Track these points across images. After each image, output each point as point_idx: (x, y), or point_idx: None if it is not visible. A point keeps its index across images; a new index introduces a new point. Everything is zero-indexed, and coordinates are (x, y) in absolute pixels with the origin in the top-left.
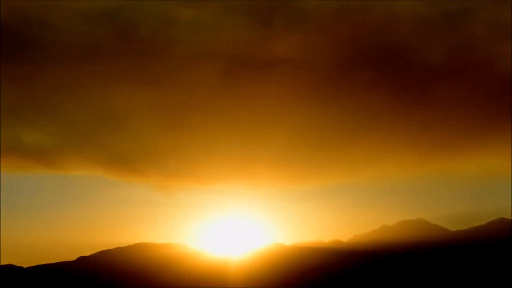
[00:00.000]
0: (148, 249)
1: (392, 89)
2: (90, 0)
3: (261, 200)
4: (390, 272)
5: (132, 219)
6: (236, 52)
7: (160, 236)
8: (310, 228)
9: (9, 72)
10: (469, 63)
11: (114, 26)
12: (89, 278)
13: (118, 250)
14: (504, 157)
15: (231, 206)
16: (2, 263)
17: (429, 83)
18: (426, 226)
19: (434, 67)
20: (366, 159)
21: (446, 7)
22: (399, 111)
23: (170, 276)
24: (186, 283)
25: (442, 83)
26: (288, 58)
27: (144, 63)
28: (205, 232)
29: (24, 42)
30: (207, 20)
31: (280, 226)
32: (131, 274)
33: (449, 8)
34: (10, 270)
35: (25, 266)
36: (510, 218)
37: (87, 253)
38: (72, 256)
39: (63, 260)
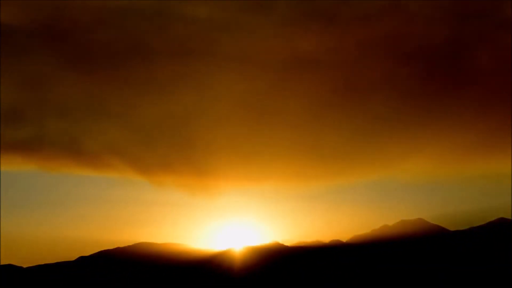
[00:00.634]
0: (148, 249)
1: (394, 92)
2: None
3: (261, 200)
4: (390, 272)
5: (132, 219)
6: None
7: (160, 236)
8: (310, 228)
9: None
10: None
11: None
12: (89, 278)
13: (118, 250)
14: (504, 157)
15: (231, 206)
16: (2, 263)
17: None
18: (426, 226)
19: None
20: (366, 160)
21: None
22: (398, 114)
23: (170, 276)
24: (185, 283)
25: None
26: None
27: (192, 66)
28: (205, 232)
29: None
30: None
31: (280, 226)
32: (131, 274)
33: None
34: (10, 270)
35: (25, 266)
36: (510, 218)
37: (87, 253)
38: (72, 256)
39: (63, 260)
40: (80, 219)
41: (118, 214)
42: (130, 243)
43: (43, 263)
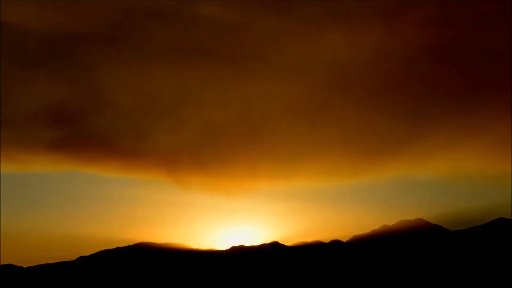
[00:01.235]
0: (148, 249)
1: (393, 93)
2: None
3: (261, 200)
4: (390, 272)
5: (132, 219)
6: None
7: (160, 236)
8: (310, 228)
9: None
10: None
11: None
12: (89, 278)
13: (118, 250)
14: (504, 157)
15: (231, 206)
16: (2, 263)
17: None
18: (426, 226)
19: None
20: (366, 160)
21: None
22: (398, 114)
23: (170, 276)
24: (185, 283)
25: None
26: None
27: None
28: (205, 232)
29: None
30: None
31: (280, 226)
32: (131, 274)
33: None
34: (10, 270)
35: (25, 266)
36: (510, 218)
37: (87, 253)
38: (72, 256)
39: (63, 260)
40: (81, 219)
41: (118, 214)
42: (130, 243)
43: (43, 263)
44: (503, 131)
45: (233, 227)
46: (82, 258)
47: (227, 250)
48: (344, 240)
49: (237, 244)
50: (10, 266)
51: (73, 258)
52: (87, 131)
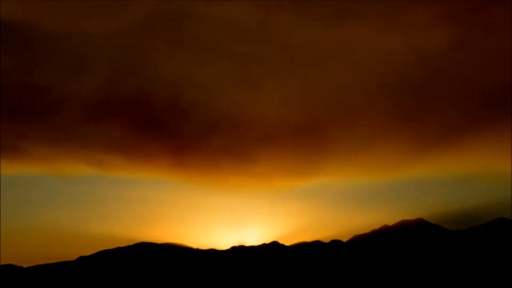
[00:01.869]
0: (148, 249)
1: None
2: None
3: (261, 200)
4: (390, 272)
5: (132, 219)
6: None
7: (160, 236)
8: (310, 228)
9: None
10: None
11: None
12: (89, 278)
13: (118, 250)
14: (504, 157)
15: (231, 206)
16: (2, 263)
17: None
18: (426, 226)
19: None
20: (366, 160)
21: None
22: (398, 114)
23: (170, 276)
24: (185, 283)
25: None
26: None
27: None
28: (205, 232)
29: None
30: None
31: (280, 226)
32: (131, 274)
33: None
34: (10, 270)
35: (25, 266)
36: (510, 218)
37: (87, 253)
38: (72, 256)
39: (63, 260)
40: (82, 219)
41: (118, 214)
42: (130, 243)
43: (43, 263)
44: (503, 131)
45: (233, 227)
46: (82, 258)
47: (227, 250)
48: (344, 240)
49: (237, 244)
50: (10, 266)
51: (73, 258)
52: None
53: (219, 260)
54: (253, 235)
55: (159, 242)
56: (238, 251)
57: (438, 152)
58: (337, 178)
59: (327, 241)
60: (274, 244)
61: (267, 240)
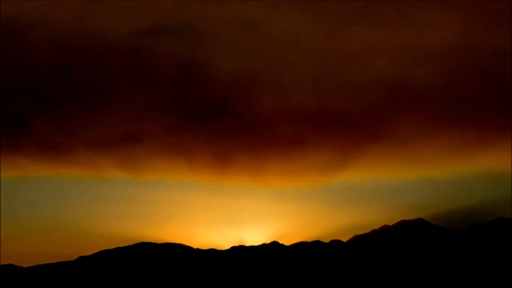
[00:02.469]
0: (148, 249)
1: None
2: None
3: (261, 200)
4: (390, 272)
5: (132, 218)
6: None
7: (160, 235)
8: (310, 228)
9: None
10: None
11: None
12: (89, 278)
13: (118, 250)
14: (504, 157)
15: (231, 205)
16: (2, 263)
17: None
18: (426, 226)
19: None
20: (366, 160)
21: None
22: (398, 115)
23: (171, 276)
24: (186, 283)
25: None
26: None
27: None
28: (205, 232)
29: None
30: None
31: (280, 225)
32: (131, 274)
33: None
34: (10, 270)
35: (25, 266)
36: (510, 218)
37: (87, 253)
38: (72, 256)
39: (63, 260)
40: (82, 219)
41: (118, 214)
42: (130, 243)
43: (43, 263)
44: (503, 130)
45: (233, 226)
46: (82, 258)
47: (227, 249)
48: (344, 240)
49: (237, 243)
50: (10, 266)
51: (73, 258)
52: None
53: (219, 260)
54: (253, 234)
55: (159, 242)
56: (238, 251)
57: (437, 152)
58: (338, 179)
59: (327, 241)
60: (274, 244)
61: (267, 239)
